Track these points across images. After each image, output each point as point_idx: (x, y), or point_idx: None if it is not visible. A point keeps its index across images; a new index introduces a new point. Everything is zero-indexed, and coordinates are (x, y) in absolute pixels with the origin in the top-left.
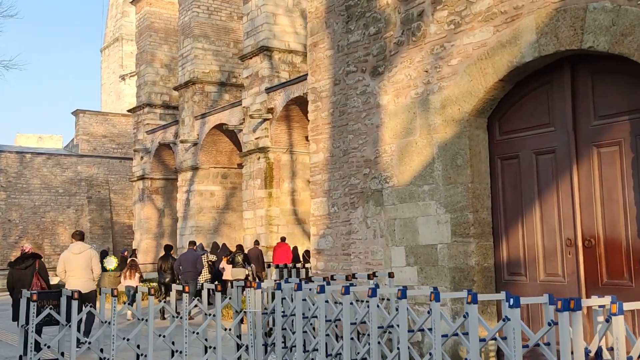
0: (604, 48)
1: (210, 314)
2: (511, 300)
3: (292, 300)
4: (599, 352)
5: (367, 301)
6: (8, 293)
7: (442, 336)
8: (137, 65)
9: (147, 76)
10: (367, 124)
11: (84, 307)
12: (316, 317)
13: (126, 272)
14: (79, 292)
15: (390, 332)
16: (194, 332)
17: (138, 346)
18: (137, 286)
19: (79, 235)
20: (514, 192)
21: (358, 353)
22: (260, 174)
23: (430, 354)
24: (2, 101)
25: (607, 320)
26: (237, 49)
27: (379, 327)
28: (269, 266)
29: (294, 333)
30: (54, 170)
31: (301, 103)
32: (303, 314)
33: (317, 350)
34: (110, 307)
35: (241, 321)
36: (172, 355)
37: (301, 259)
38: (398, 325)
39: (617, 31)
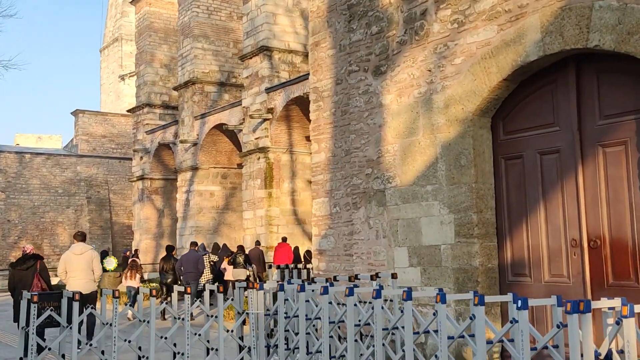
0: (610, 47)
1: (212, 315)
2: (519, 302)
3: (294, 302)
4: (609, 354)
5: (371, 302)
6: (9, 294)
7: (448, 338)
8: (137, 65)
9: (147, 76)
10: (370, 123)
11: (84, 309)
12: (319, 318)
13: (127, 273)
14: (80, 293)
15: (393, 334)
16: (195, 334)
17: (140, 348)
18: (138, 287)
19: (81, 236)
20: (518, 193)
21: (361, 355)
22: (260, 174)
23: (436, 356)
24: (1, 101)
25: (618, 323)
26: (237, 49)
27: (383, 329)
28: (269, 266)
29: (296, 334)
30: (54, 170)
31: (301, 103)
32: (306, 316)
33: (320, 352)
34: (112, 308)
35: (243, 322)
36: (174, 357)
37: (302, 260)
38: (402, 327)
39: (623, 30)
